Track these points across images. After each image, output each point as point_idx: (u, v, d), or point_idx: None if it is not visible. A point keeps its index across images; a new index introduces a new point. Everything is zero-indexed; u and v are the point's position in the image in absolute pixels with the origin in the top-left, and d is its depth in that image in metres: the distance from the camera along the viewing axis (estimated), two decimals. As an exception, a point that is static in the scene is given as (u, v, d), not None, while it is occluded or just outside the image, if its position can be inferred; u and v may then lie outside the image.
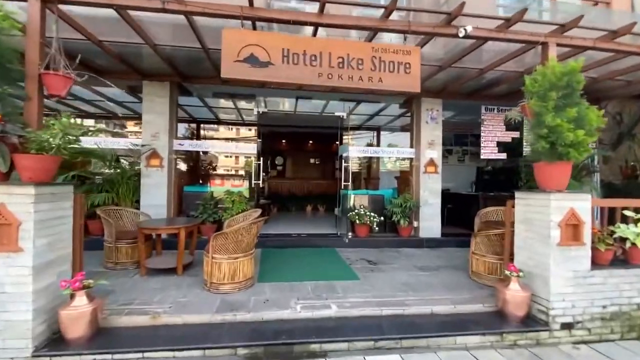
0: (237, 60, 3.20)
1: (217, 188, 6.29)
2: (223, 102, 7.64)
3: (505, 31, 3.60)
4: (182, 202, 6.13)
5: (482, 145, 6.82)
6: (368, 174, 10.31)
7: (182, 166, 9.88)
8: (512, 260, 3.57)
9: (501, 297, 3.23)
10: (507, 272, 3.25)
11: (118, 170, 5.51)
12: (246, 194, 6.36)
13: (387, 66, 3.38)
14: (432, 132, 6.47)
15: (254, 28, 3.64)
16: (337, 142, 14.41)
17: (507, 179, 7.93)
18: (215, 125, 9.15)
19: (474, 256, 4.44)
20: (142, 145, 5.61)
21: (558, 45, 3.73)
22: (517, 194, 3.55)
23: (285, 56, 3.26)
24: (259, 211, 4.83)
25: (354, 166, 11.19)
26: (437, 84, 6.08)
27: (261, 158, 5.90)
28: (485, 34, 3.59)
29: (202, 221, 5.70)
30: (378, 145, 9.89)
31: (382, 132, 10.01)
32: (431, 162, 6.43)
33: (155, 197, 5.66)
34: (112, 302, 3.16)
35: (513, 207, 3.61)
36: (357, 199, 6.47)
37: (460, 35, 3.41)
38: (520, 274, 3.18)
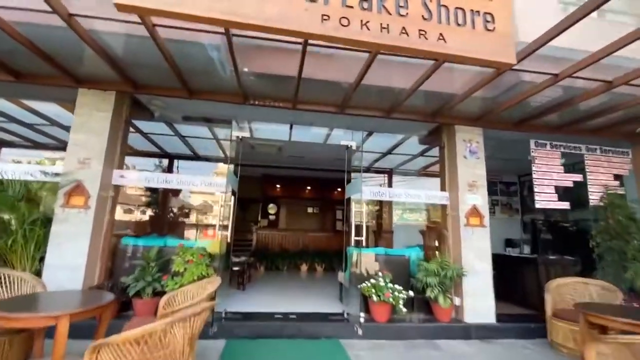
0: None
1: (187, 242, 4.38)
2: (200, 131, 6.07)
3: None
4: (114, 263, 4.16)
5: (535, 191, 5.10)
6: (378, 227, 8.37)
7: (136, 214, 8.08)
8: None
9: None
10: None
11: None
12: (218, 248, 4.42)
13: (451, 15, 1.76)
14: (472, 171, 4.77)
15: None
16: (339, 189, 12.81)
17: (568, 236, 6.03)
18: (194, 162, 7.53)
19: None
20: (59, 175, 3.85)
21: None
22: None
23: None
24: (218, 282, 2.92)
25: (359, 217, 9.30)
26: (475, 108, 4.54)
27: (233, 199, 4.10)
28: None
29: (136, 293, 3.70)
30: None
31: (394, 176, 8.33)
32: (474, 211, 4.61)
33: (69, 253, 3.73)
34: None
35: None
36: (371, 261, 4.52)
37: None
38: None
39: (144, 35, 2.97)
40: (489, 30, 1.78)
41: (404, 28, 1.68)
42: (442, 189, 5.03)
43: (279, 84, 4.14)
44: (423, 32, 1.70)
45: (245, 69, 3.70)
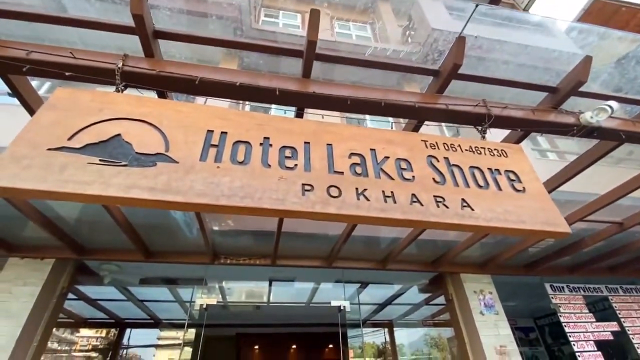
0: (63, 149, 1.11)
1: None
2: (161, 293, 5.08)
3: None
4: None
5: (575, 350, 4.12)
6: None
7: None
8: None
9: None
10: None
11: None
12: None
13: (468, 177, 1.37)
14: (496, 332, 3.84)
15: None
16: (331, 345, 10.74)
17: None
18: (153, 329, 6.10)
19: None
20: None
21: None
22: None
23: (212, 145, 1.24)
24: None
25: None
26: (479, 254, 4.07)
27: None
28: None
29: None
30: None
31: (395, 329, 7.00)
32: (516, 393, 3.44)
33: None
34: None
35: None
36: None
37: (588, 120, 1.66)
38: None
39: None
40: (518, 191, 1.38)
41: (414, 195, 1.23)
42: (460, 354, 3.94)
43: (255, 240, 3.60)
44: (440, 199, 1.25)
45: (215, 227, 3.19)
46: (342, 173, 1.24)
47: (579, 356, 4.04)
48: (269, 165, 1.22)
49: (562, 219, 1.30)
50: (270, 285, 4.68)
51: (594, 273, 4.65)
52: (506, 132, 2.18)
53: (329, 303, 3.90)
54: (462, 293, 4.11)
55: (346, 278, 4.28)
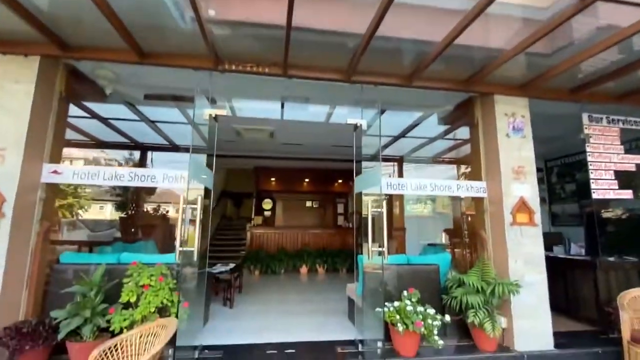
0: None
1: (150, 257, 3.31)
2: (172, 114, 4.97)
3: None
4: (49, 290, 3.07)
5: (591, 177, 4.06)
6: (389, 223, 7.30)
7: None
8: None
9: None
10: None
11: None
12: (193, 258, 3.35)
13: None
14: (518, 153, 3.71)
15: None
16: (340, 181, 11.72)
17: (622, 232, 5.00)
18: (172, 153, 6.42)
19: None
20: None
21: None
22: None
23: None
24: (174, 325, 1.89)
25: (357, 209, 8.24)
26: (519, 71, 3.48)
27: (200, 198, 2.99)
28: None
29: (70, 333, 2.65)
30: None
31: (404, 165, 7.23)
32: (522, 206, 3.57)
33: (-26, 281, 2.67)
34: None
35: None
36: (392, 275, 3.47)
37: None
38: None
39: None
40: None
41: None
42: (473, 177, 3.98)
43: (261, 40, 3.03)
44: None
45: (211, 12, 2.58)
46: None
47: (592, 182, 4.03)
48: None
49: None
50: (282, 107, 4.41)
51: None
52: None
53: (346, 122, 3.66)
54: (492, 116, 3.77)
55: (365, 98, 3.90)
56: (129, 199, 6.43)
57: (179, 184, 3.27)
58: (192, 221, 3.15)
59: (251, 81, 3.69)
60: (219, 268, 5.28)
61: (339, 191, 11.57)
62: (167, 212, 6.84)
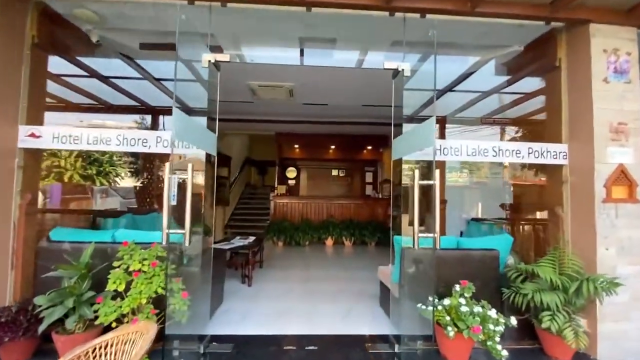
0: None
1: (148, 234, 2.84)
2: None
3: None
4: (39, 272, 2.70)
5: None
6: (424, 194, 6.47)
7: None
8: None
9: None
10: None
11: None
12: (200, 233, 2.88)
13: None
14: (619, 105, 2.73)
15: None
16: (369, 147, 10.81)
17: None
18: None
19: None
20: None
21: None
22: None
23: None
24: (153, 329, 1.34)
25: (394, 179, 7.45)
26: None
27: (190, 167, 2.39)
28: None
29: (55, 323, 2.26)
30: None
31: (447, 126, 6.23)
32: (622, 177, 2.66)
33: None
34: None
35: None
36: (440, 259, 2.78)
37: None
38: None
39: None
40: None
41: None
42: (547, 138, 3.06)
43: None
44: None
45: None
46: None
47: None
48: None
49: None
50: (301, 54, 3.60)
51: None
52: None
53: (382, 67, 2.81)
54: (584, 54, 2.77)
55: (408, 39, 2.99)
56: (143, 165, 6.09)
57: (177, 148, 2.68)
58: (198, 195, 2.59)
59: (261, 20, 2.92)
60: (236, 242, 4.85)
61: (367, 159, 10.75)
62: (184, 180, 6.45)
